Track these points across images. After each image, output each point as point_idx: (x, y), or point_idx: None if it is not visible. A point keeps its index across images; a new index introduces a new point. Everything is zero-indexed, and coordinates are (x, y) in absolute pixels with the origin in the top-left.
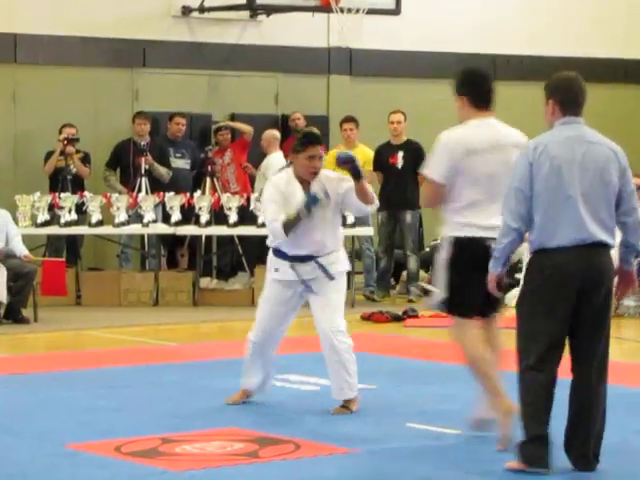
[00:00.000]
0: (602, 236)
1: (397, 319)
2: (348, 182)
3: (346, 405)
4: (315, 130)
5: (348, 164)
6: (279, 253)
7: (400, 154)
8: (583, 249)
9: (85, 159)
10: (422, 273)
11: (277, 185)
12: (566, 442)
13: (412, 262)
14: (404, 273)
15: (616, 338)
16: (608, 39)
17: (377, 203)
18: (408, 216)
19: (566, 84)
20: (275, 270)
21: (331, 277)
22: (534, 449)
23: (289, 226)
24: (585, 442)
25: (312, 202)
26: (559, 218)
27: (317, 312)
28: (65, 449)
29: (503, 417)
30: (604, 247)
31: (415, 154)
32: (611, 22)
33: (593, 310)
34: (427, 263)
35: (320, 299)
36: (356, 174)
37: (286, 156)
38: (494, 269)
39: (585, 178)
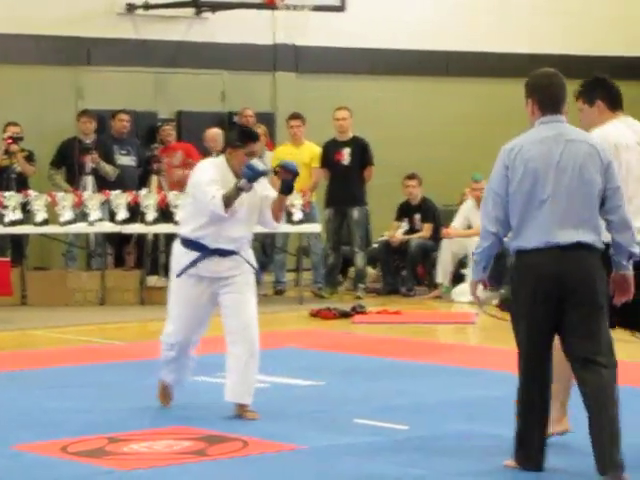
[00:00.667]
0: (582, 237)
1: (345, 315)
2: (271, 191)
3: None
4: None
5: (289, 175)
6: (197, 246)
7: (346, 150)
8: (559, 251)
9: (29, 158)
10: (370, 269)
11: (217, 166)
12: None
13: (359, 258)
14: (352, 269)
15: None
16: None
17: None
18: (355, 212)
19: (544, 82)
20: (191, 264)
21: (257, 271)
22: (526, 451)
23: (230, 200)
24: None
25: (254, 173)
26: (534, 221)
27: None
28: (10, 450)
29: None
30: (585, 248)
31: (361, 150)
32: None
33: (579, 311)
34: (375, 259)
35: (239, 298)
36: (288, 189)
37: None
38: (475, 275)
39: (563, 179)
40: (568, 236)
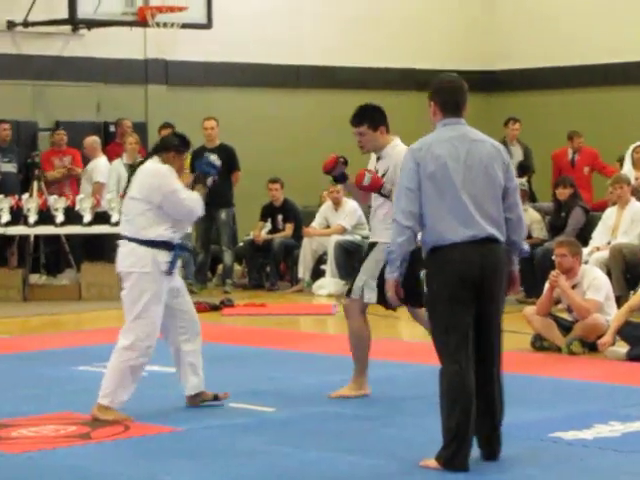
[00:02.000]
0: (492, 231)
1: (215, 308)
2: None
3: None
4: None
5: (210, 170)
6: (170, 246)
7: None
8: (475, 244)
9: None
10: (236, 266)
11: (170, 170)
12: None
13: (227, 256)
14: (220, 266)
15: None
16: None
17: None
18: (223, 214)
19: (446, 87)
20: (166, 263)
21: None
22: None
23: (202, 200)
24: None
25: (215, 169)
26: (448, 215)
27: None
28: None
29: None
30: (495, 242)
31: (228, 156)
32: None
33: (489, 303)
34: (241, 257)
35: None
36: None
37: (110, 159)
38: (391, 274)
39: (470, 175)
40: (481, 229)
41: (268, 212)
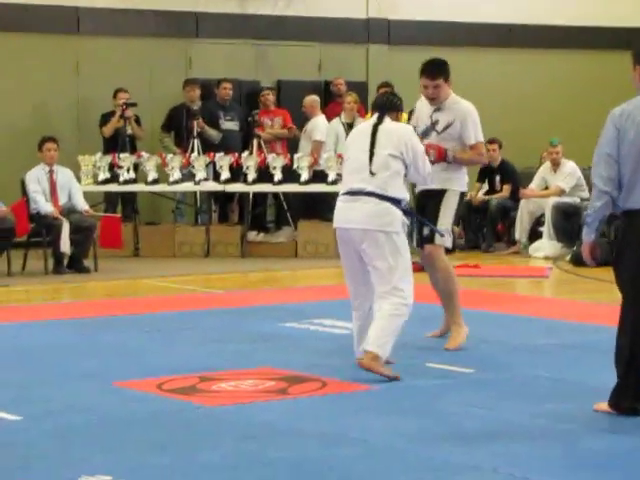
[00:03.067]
0: None
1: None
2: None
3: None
4: None
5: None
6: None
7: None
8: None
9: (137, 122)
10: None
11: None
12: None
13: None
14: None
15: None
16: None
17: None
18: None
19: None
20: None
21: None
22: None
23: None
24: None
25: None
26: None
27: None
28: (111, 386)
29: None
30: None
31: None
32: None
33: None
34: (458, 218)
35: None
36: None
37: (328, 119)
38: (587, 236)
39: None
40: None
41: (486, 173)
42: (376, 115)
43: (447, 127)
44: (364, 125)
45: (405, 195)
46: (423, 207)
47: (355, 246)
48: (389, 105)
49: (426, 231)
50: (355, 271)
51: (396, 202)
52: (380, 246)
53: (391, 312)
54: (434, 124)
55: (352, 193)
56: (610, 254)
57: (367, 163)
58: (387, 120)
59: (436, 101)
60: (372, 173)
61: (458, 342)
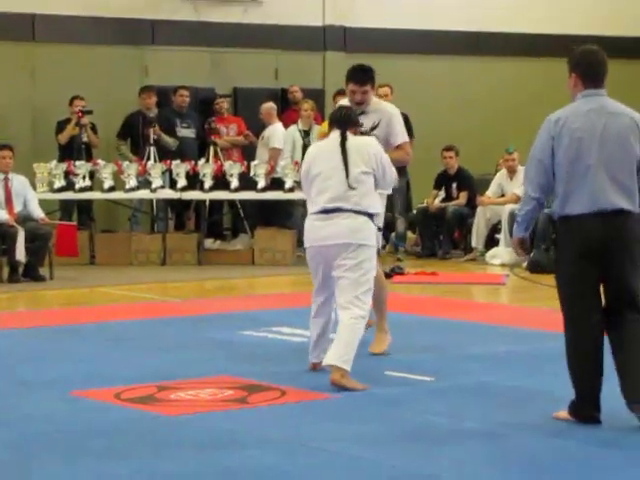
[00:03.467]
0: (622, 203)
1: (386, 276)
2: None
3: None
4: None
5: None
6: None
7: (347, 130)
8: (603, 216)
9: (93, 129)
10: (409, 234)
11: None
12: None
13: (400, 224)
14: (393, 234)
15: None
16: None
17: None
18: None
19: (587, 57)
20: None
21: None
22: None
23: None
24: None
25: None
26: (579, 187)
27: None
28: (68, 395)
29: None
30: (625, 213)
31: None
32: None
33: (617, 272)
34: (414, 225)
35: None
36: None
37: (285, 126)
38: (517, 232)
39: (605, 148)
40: (611, 202)
41: (442, 180)
42: (337, 132)
43: (373, 128)
44: (327, 142)
45: (380, 209)
46: None
47: (330, 261)
48: (348, 120)
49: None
50: (325, 285)
51: (371, 217)
52: (357, 257)
53: (352, 326)
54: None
55: (327, 211)
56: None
57: (341, 181)
58: (350, 136)
59: (363, 106)
60: (352, 188)
61: (384, 347)
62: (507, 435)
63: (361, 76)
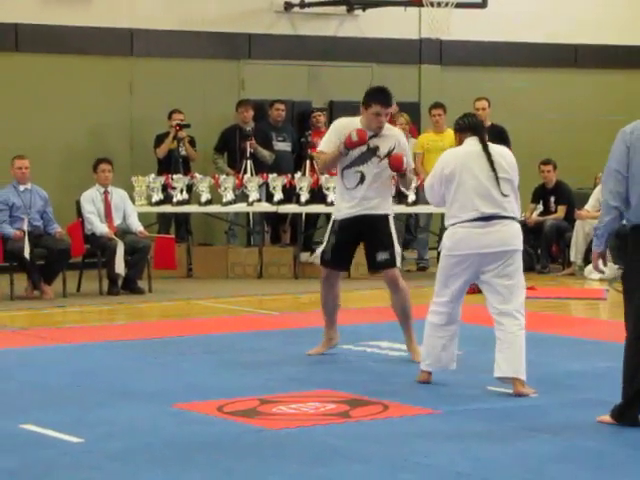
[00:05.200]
0: None
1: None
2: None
3: None
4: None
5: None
6: None
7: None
8: None
9: (191, 143)
10: None
11: None
12: None
13: None
14: None
15: None
16: None
17: None
18: None
19: None
20: None
21: None
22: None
23: None
24: None
25: None
26: None
27: None
28: (172, 408)
29: None
30: None
31: (499, 136)
32: None
33: None
34: None
35: None
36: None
37: None
38: (597, 247)
39: None
40: None
41: (540, 194)
42: (475, 138)
43: (390, 152)
44: (467, 149)
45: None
46: (360, 232)
47: (482, 268)
48: (482, 126)
49: (385, 255)
50: (460, 292)
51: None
52: (515, 263)
53: (522, 336)
54: (374, 150)
55: (485, 219)
56: None
57: (493, 187)
58: (489, 143)
59: (381, 129)
60: (504, 195)
61: (419, 354)
62: (616, 453)
63: (387, 98)
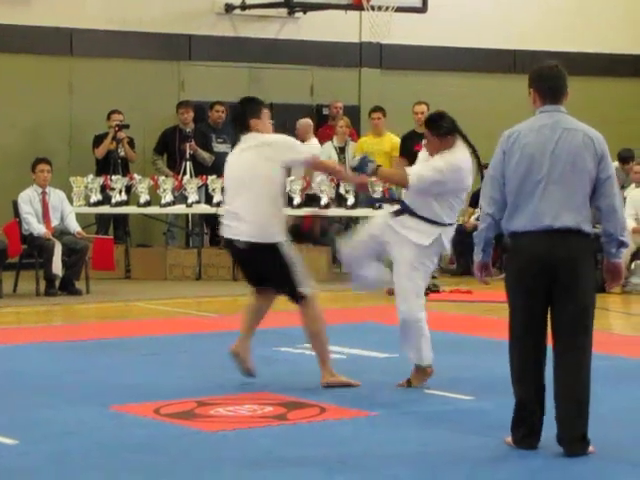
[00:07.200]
0: (571, 222)
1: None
2: None
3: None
4: None
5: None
6: None
7: (424, 142)
8: (549, 234)
9: (130, 144)
10: None
11: None
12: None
13: None
14: None
15: (624, 313)
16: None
17: None
18: None
19: (546, 73)
20: None
21: None
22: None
23: None
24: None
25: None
26: (526, 204)
27: None
28: (108, 410)
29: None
30: (573, 232)
31: None
32: None
33: (562, 289)
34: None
35: None
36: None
37: (320, 142)
38: (476, 256)
39: (556, 165)
40: (559, 221)
41: (478, 199)
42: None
43: None
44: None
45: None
46: None
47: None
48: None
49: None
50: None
51: None
52: None
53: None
54: None
55: None
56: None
57: None
58: None
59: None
60: None
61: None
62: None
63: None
